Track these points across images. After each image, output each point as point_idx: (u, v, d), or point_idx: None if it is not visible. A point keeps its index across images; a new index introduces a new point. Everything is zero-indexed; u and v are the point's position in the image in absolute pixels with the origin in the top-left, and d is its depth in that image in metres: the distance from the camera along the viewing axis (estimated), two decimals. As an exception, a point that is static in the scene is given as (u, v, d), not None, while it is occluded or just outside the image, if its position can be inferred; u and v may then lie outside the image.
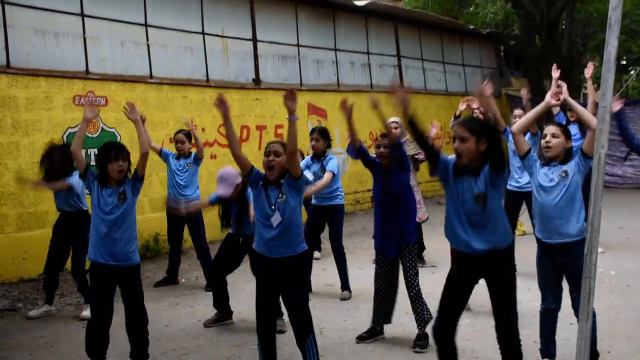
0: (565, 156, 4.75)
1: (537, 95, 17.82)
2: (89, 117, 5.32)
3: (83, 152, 5.97)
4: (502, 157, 4.06)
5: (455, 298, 4.30)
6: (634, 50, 17.18)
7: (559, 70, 6.46)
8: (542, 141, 4.79)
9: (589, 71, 4.83)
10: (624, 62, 18.88)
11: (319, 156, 7.46)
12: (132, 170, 5.26)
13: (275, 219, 4.65)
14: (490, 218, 4.10)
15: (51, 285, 7.18)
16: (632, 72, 15.88)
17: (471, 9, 19.28)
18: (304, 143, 8.86)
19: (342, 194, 7.72)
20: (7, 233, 8.49)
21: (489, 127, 4.15)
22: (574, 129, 8.82)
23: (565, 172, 4.68)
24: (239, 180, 6.10)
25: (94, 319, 5.22)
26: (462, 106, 6.98)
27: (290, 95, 4.55)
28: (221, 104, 4.64)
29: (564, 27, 17.91)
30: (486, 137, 4.05)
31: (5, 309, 7.47)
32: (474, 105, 6.71)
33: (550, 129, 4.77)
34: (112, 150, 5.18)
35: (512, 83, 20.36)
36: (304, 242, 4.82)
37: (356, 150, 5.84)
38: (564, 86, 5.07)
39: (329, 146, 7.49)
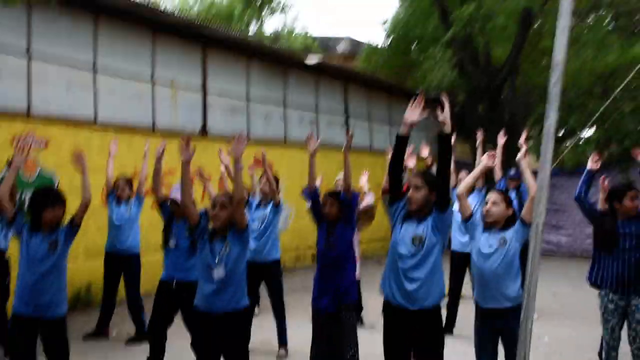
0: (506, 223, 4.84)
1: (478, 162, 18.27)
2: (17, 163, 5.14)
3: (17, 195, 5.80)
4: (447, 200, 4.17)
5: (395, 356, 4.33)
6: (571, 124, 17.81)
7: (506, 137, 6.62)
8: (483, 208, 4.89)
9: (522, 137, 5.00)
10: (561, 134, 19.49)
11: (266, 202, 7.50)
12: (68, 218, 5.15)
13: (218, 272, 4.59)
14: (422, 266, 4.14)
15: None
16: (567, 144, 16.46)
17: (418, 74, 19.80)
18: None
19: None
20: None
21: (440, 180, 4.20)
22: (511, 195, 9.11)
23: (504, 238, 4.77)
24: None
25: None
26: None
27: (238, 139, 4.56)
28: (185, 148, 4.59)
29: (506, 96, 18.43)
30: (437, 189, 4.17)
31: None
32: (410, 165, 6.82)
33: (491, 197, 4.87)
34: (49, 196, 5.11)
35: (455, 147, 20.52)
36: (246, 297, 4.77)
37: (311, 193, 5.91)
38: (523, 148, 5.16)
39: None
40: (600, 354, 6.13)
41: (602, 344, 6.06)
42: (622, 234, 5.85)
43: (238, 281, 4.66)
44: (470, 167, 18.40)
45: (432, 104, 4.15)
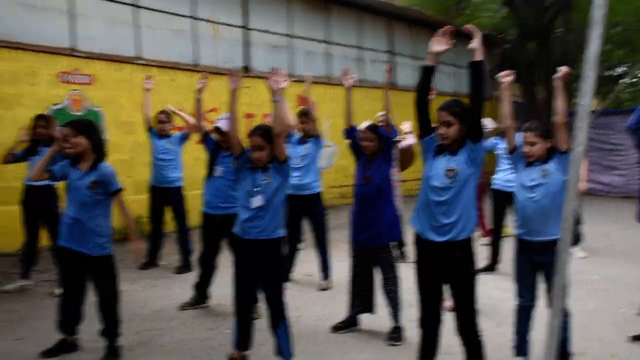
0: (548, 154, 4.81)
1: (529, 101, 18.07)
2: (54, 148, 5.27)
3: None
4: (481, 130, 4.12)
5: (427, 290, 4.33)
6: (627, 61, 17.20)
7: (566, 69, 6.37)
8: (523, 149, 4.85)
9: (560, 73, 4.84)
10: (618, 72, 18.89)
11: (307, 138, 7.50)
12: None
13: (256, 201, 4.68)
14: (456, 200, 4.11)
15: (29, 260, 7.23)
16: (622, 81, 15.96)
17: (468, 11, 19.39)
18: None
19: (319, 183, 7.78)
20: (-13, 206, 8.56)
21: (470, 110, 4.13)
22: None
23: (546, 170, 4.74)
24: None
25: (65, 295, 5.25)
26: None
27: (277, 74, 4.62)
28: (234, 78, 4.67)
29: (558, 34, 17.89)
30: (470, 120, 4.11)
31: (-19, 282, 7.53)
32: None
33: (527, 137, 4.81)
34: (70, 125, 5.21)
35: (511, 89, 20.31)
36: (281, 228, 4.83)
37: (349, 130, 5.94)
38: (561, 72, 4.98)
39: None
40: None
41: None
42: None
43: (275, 211, 4.72)
44: (519, 106, 18.29)
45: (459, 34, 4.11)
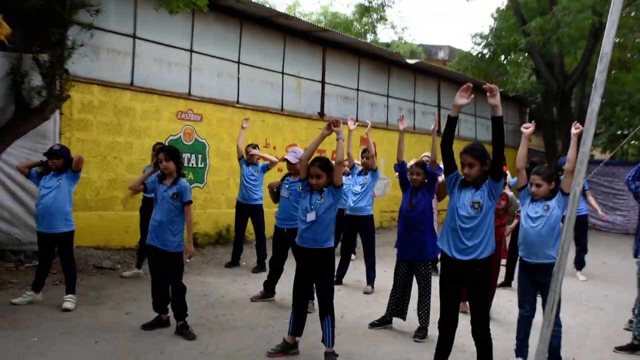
0: (551, 193, 4.70)
1: (550, 152, 17.68)
2: (153, 169, 5.47)
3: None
4: (501, 171, 4.03)
5: (449, 299, 4.23)
6: (633, 122, 16.81)
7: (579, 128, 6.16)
8: (531, 188, 4.75)
9: (576, 130, 4.73)
10: (624, 132, 18.51)
11: (366, 170, 7.43)
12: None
13: (310, 216, 4.70)
14: (479, 227, 4.02)
15: (142, 254, 7.33)
16: (627, 138, 15.81)
17: (505, 78, 19.22)
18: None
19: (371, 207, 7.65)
20: (116, 210, 8.78)
21: (495, 155, 4.02)
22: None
23: (548, 206, 4.66)
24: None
25: (153, 282, 5.40)
26: None
27: (336, 122, 4.66)
28: (327, 128, 4.66)
29: (576, 98, 17.52)
30: (488, 159, 4.05)
31: (108, 267, 7.77)
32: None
33: (534, 179, 4.72)
34: (162, 151, 5.39)
35: (532, 139, 19.88)
36: (332, 240, 4.81)
37: (399, 165, 5.89)
38: (575, 131, 4.83)
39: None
40: (633, 311, 5.85)
41: (635, 304, 5.74)
42: None
43: (325, 226, 4.70)
44: (543, 155, 17.83)
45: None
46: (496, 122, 3.98)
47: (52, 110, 7.45)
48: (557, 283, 3.48)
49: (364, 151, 7.53)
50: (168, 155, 5.28)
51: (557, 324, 4.60)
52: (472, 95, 4.03)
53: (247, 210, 8.37)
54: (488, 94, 3.91)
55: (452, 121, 4.13)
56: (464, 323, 5.76)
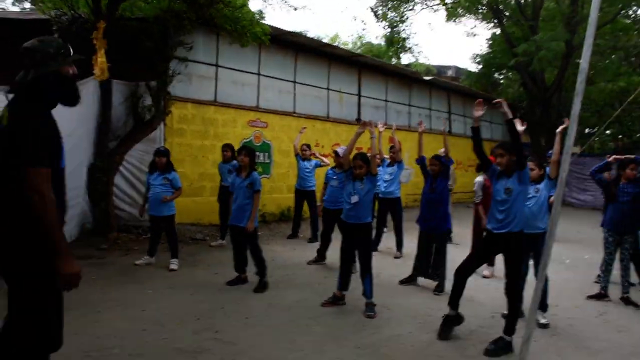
0: (539, 178, 4.58)
1: (535, 146, 17.40)
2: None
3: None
4: (522, 160, 3.92)
5: (477, 257, 4.19)
6: (598, 124, 17.59)
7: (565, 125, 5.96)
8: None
9: (561, 127, 4.57)
10: (592, 131, 18.86)
11: (393, 163, 7.37)
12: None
13: (354, 198, 4.68)
14: (512, 208, 3.91)
15: (224, 228, 7.35)
16: (594, 137, 16.03)
17: (499, 88, 19.41)
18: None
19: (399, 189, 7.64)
20: (205, 197, 8.97)
21: (516, 148, 3.95)
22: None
23: (538, 189, 4.55)
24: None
25: (234, 250, 5.43)
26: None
27: (369, 123, 4.74)
28: (366, 125, 4.71)
29: (554, 104, 17.32)
30: (514, 151, 3.95)
31: (200, 239, 7.86)
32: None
33: (529, 164, 4.59)
34: (242, 149, 5.38)
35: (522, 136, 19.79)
36: (370, 216, 4.78)
37: (420, 159, 5.87)
38: (560, 128, 4.67)
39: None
40: (600, 268, 5.75)
41: (602, 262, 5.66)
42: (621, 192, 5.42)
43: (365, 206, 4.68)
44: (529, 147, 17.45)
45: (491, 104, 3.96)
46: (509, 124, 3.89)
47: (159, 123, 7.66)
48: (548, 248, 3.39)
49: (391, 147, 7.49)
50: (247, 153, 5.32)
51: (545, 280, 4.48)
52: (485, 107, 3.99)
53: (303, 195, 8.37)
54: (498, 106, 3.84)
55: (475, 130, 4.10)
56: (471, 280, 5.70)
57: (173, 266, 5.93)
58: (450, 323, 4.15)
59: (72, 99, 2.31)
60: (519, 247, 4.02)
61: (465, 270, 4.15)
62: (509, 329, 3.90)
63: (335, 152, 6.40)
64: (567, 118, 4.61)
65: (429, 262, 5.75)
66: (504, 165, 4.00)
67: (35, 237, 2.02)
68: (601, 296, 5.45)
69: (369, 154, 4.75)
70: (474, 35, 46.18)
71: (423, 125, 5.98)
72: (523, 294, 4.25)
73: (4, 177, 2.07)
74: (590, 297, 5.49)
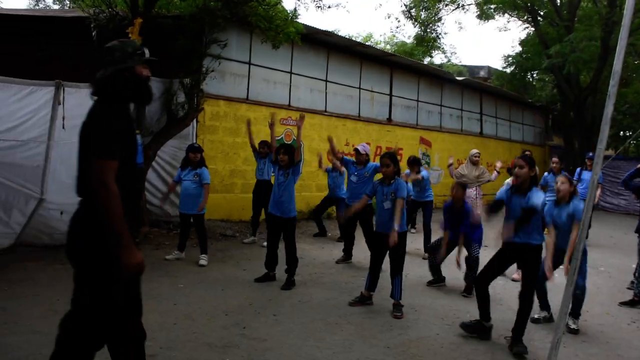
0: (569, 196, 4.48)
1: (569, 148, 16.91)
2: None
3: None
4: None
5: (495, 266, 4.10)
6: (633, 126, 16.70)
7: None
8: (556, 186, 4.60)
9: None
10: (628, 134, 18.18)
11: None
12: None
13: (387, 204, 4.67)
14: (530, 223, 3.85)
15: (255, 225, 7.51)
16: (629, 139, 15.37)
17: (532, 91, 19.09)
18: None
19: (432, 193, 7.63)
20: (235, 193, 9.09)
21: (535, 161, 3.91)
22: (586, 175, 8.54)
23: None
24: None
25: (268, 245, 5.45)
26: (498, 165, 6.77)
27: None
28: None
29: (589, 107, 16.77)
30: (535, 166, 3.92)
31: (230, 235, 7.90)
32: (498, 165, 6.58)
33: (560, 179, 4.58)
34: (281, 148, 5.37)
35: (553, 139, 19.34)
36: (405, 224, 4.72)
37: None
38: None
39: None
40: (634, 274, 5.53)
41: (636, 268, 5.45)
42: None
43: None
44: (562, 150, 17.12)
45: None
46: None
47: (192, 119, 7.77)
48: (578, 252, 3.29)
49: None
50: (285, 151, 5.34)
51: (582, 289, 4.37)
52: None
53: (331, 200, 8.26)
54: None
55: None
56: (501, 283, 5.61)
57: (202, 262, 6.00)
58: (481, 330, 4.10)
59: (144, 98, 2.44)
60: (535, 260, 3.96)
61: (483, 280, 4.12)
62: (519, 332, 3.86)
63: (356, 150, 6.36)
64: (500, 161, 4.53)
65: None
66: (522, 178, 3.91)
67: (101, 226, 2.12)
68: (634, 303, 5.28)
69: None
70: (506, 30, 45.37)
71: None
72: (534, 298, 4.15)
73: (85, 168, 2.19)
74: (623, 303, 5.33)
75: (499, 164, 7.45)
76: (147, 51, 2.39)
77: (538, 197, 3.84)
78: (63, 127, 5.59)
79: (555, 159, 7.82)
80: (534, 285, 4.00)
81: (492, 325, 4.12)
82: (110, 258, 2.13)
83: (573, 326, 4.37)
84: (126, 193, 2.18)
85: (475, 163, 7.64)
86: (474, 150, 7.83)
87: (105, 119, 2.17)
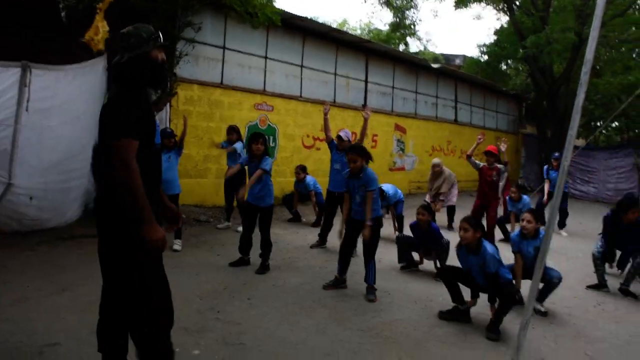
0: (535, 232, 4.72)
1: (541, 137, 17.34)
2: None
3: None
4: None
5: (464, 276, 4.25)
6: (604, 117, 17.09)
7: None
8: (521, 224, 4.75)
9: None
10: (598, 124, 18.38)
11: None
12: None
13: (357, 197, 4.68)
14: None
15: (229, 211, 7.48)
16: (600, 129, 15.92)
17: (506, 79, 19.43)
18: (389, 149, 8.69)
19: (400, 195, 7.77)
20: (209, 178, 9.00)
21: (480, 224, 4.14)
22: (554, 174, 8.80)
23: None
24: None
25: (243, 232, 5.44)
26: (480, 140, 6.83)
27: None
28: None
29: (562, 96, 17.12)
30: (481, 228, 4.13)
31: (204, 220, 7.84)
32: (503, 148, 6.72)
33: (526, 216, 4.75)
34: (255, 136, 5.27)
35: (526, 127, 19.71)
36: (380, 210, 4.79)
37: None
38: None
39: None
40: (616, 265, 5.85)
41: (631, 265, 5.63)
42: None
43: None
44: (536, 139, 17.55)
45: None
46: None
47: (165, 104, 7.64)
48: (548, 240, 3.37)
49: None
50: (264, 141, 5.26)
51: (558, 278, 4.55)
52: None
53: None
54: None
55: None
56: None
57: (176, 247, 5.95)
58: (460, 314, 4.21)
59: (159, 82, 2.47)
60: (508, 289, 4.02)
61: (449, 275, 4.26)
62: (497, 321, 3.97)
63: (339, 136, 6.32)
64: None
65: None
66: (467, 240, 4.04)
67: (123, 204, 2.18)
68: (600, 286, 5.51)
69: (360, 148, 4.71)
70: (479, 18, 46.17)
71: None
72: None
73: (105, 150, 2.22)
74: (590, 286, 5.56)
75: (503, 147, 7.13)
76: (161, 36, 2.45)
77: (496, 262, 3.97)
78: (27, 110, 5.38)
79: (556, 155, 8.20)
80: (512, 289, 4.07)
81: (468, 307, 4.22)
82: (132, 234, 2.21)
83: (541, 309, 4.52)
84: (147, 175, 2.23)
85: (436, 173, 7.85)
86: (434, 160, 8.02)
87: (124, 104, 2.22)
